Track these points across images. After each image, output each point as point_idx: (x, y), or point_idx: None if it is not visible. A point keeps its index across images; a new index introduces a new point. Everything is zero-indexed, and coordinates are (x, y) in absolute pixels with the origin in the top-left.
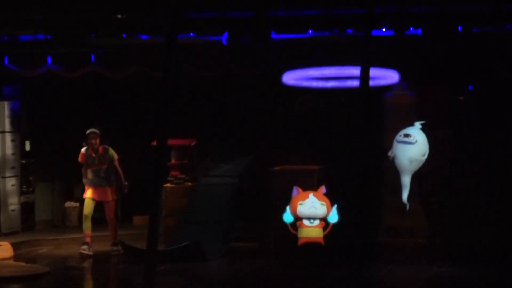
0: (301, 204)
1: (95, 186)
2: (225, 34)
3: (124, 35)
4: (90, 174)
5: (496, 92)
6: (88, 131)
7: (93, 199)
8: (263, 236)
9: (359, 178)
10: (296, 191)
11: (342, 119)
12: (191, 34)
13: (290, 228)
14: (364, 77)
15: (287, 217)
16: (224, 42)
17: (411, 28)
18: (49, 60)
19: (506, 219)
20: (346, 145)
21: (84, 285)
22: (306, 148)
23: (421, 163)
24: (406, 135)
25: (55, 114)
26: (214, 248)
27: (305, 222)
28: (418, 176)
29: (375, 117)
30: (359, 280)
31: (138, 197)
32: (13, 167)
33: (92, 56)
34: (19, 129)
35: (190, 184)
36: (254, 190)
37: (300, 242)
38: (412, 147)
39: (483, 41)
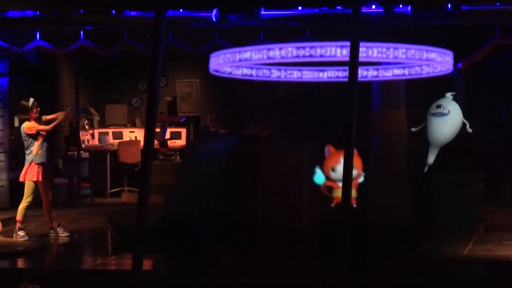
0: (333, 169)
1: (40, 163)
2: (215, 11)
3: (113, 11)
4: (37, 149)
5: (485, 70)
6: (31, 102)
7: (37, 181)
8: (252, 214)
9: (344, 158)
10: (328, 150)
11: (330, 98)
12: (180, 10)
13: (322, 189)
14: (353, 54)
15: (318, 179)
16: (214, 19)
17: (401, 6)
18: (38, 36)
19: (494, 198)
20: (333, 124)
21: (73, 261)
22: (294, 126)
23: (454, 135)
24: (438, 106)
25: (44, 90)
26: (202, 226)
27: (340, 183)
28: (406, 154)
29: (362, 95)
30: (346, 260)
31: (127, 174)
32: (2, 143)
33: (81, 33)
34: (8, 105)
35: (178, 161)
36: (242, 168)
37: (335, 202)
38: (445, 118)
39: (472, 19)
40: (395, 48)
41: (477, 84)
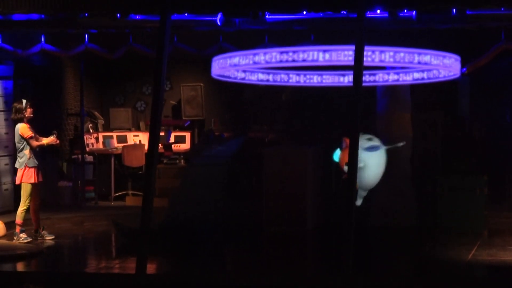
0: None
1: (33, 166)
2: (219, 15)
3: (118, 15)
4: (29, 153)
5: (490, 74)
6: (24, 102)
7: (34, 183)
8: (256, 217)
9: (348, 160)
10: (344, 143)
11: (334, 101)
12: (185, 14)
13: (341, 164)
14: (358, 59)
15: (337, 157)
16: (218, 23)
17: (406, 10)
18: (42, 39)
19: (498, 202)
20: (337, 127)
21: (77, 264)
22: (298, 129)
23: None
24: (369, 139)
25: (49, 93)
26: (206, 229)
27: None
28: (411, 157)
29: (368, 99)
30: (350, 262)
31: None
32: (6, 146)
33: (86, 36)
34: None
35: (182, 164)
36: (246, 171)
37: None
38: (379, 153)
39: (477, 23)
40: (382, 51)
41: (481, 88)
